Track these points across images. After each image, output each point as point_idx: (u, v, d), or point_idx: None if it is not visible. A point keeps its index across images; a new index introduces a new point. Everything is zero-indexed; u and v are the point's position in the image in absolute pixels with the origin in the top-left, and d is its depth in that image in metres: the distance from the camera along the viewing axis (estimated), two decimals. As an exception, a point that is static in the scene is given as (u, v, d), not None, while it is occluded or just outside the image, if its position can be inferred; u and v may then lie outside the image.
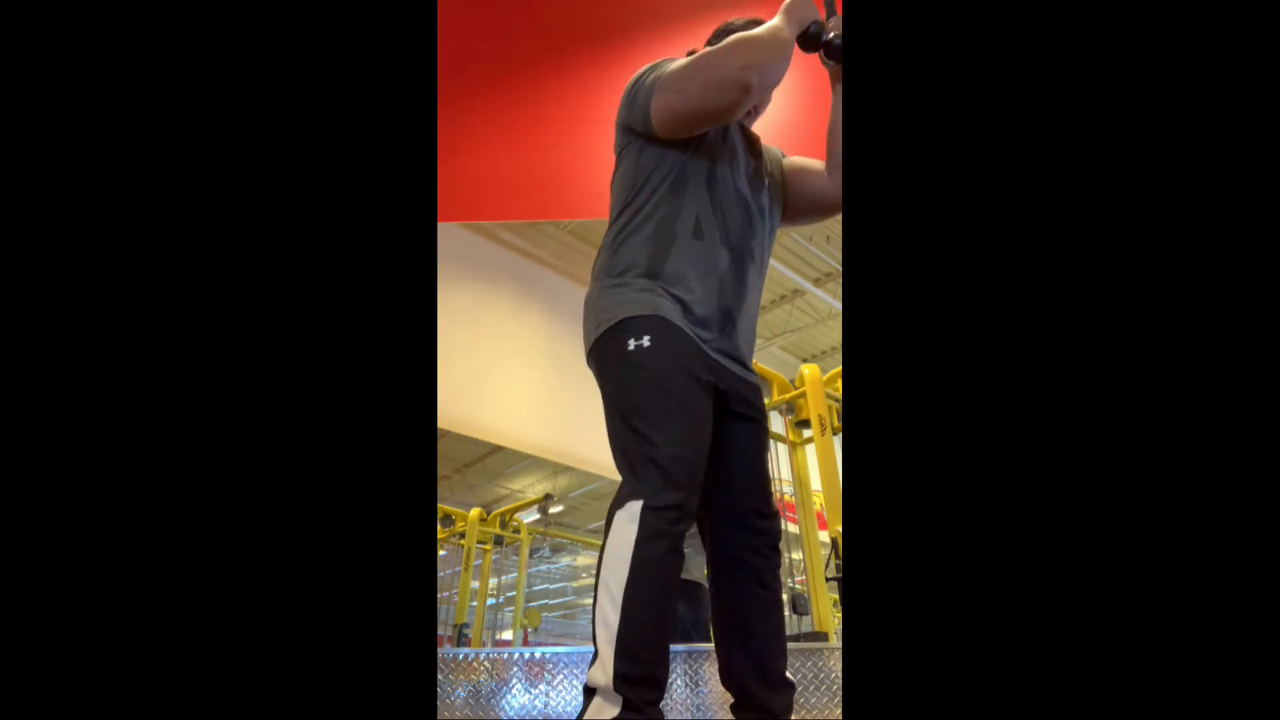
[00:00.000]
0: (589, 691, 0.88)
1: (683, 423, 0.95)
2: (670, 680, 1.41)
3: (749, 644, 1.00)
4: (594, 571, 0.93)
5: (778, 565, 1.06)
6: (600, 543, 0.94)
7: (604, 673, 0.85)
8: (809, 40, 1.11)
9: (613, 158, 1.17)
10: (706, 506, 1.05)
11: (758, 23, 1.26)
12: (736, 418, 1.08)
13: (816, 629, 3.06)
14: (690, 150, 1.10)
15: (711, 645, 1.57)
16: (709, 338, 1.05)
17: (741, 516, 1.05)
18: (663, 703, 0.88)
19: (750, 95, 1.03)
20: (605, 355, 1.03)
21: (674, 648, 1.42)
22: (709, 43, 1.29)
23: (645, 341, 0.99)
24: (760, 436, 1.11)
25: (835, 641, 1.76)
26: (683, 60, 1.08)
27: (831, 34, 1.13)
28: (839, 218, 1.21)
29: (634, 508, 0.90)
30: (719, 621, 1.03)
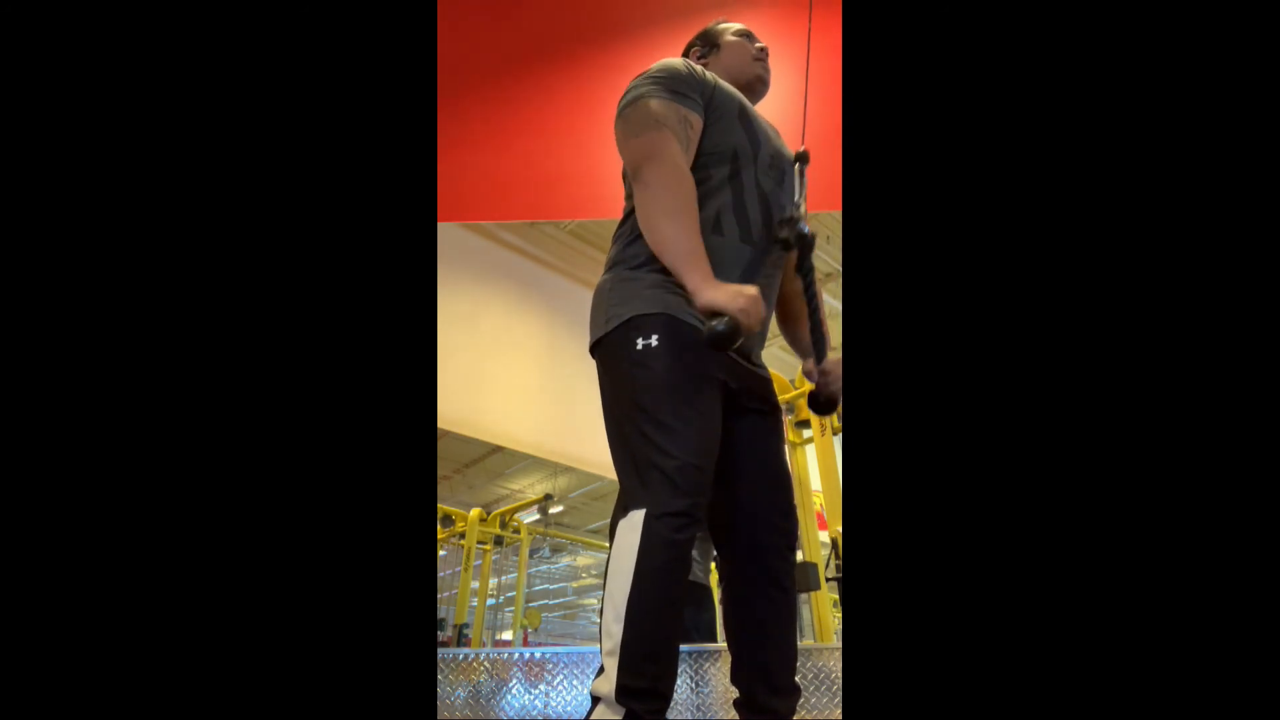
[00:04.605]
0: (595, 699, 0.88)
1: (691, 426, 0.93)
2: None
3: (759, 647, 0.99)
4: (594, 572, 0.93)
5: (793, 566, 1.05)
6: (606, 547, 0.93)
7: (608, 684, 0.85)
8: (714, 338, 0.86)
9: (614, 157, 1.17)
10: (720, 506, 1.03)
11: (720, 24, 1.28)
12: (749, 413, 1.06)
13: (817, 630, 3.06)
14: (712, 142, 1.08)
15: (714, 645, 1.57)
16: None
17: (759, 515, 1.03)
18: (663, 703, 0.88)
19: (628, 182, 1.03)
20: (611, 353, 1.02)
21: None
22: (688, 47, 1.31)
23: (654, 341, 0.97)
24: (774, 430, 1.09)
25: (835, 641, 1.75)
26: (652, 106, 1.05)
27: (817, 378, 1.06)
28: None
29: (636, 516, 0.89)
30: (730, 621, 1.02)
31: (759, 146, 1.12)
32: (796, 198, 1.07)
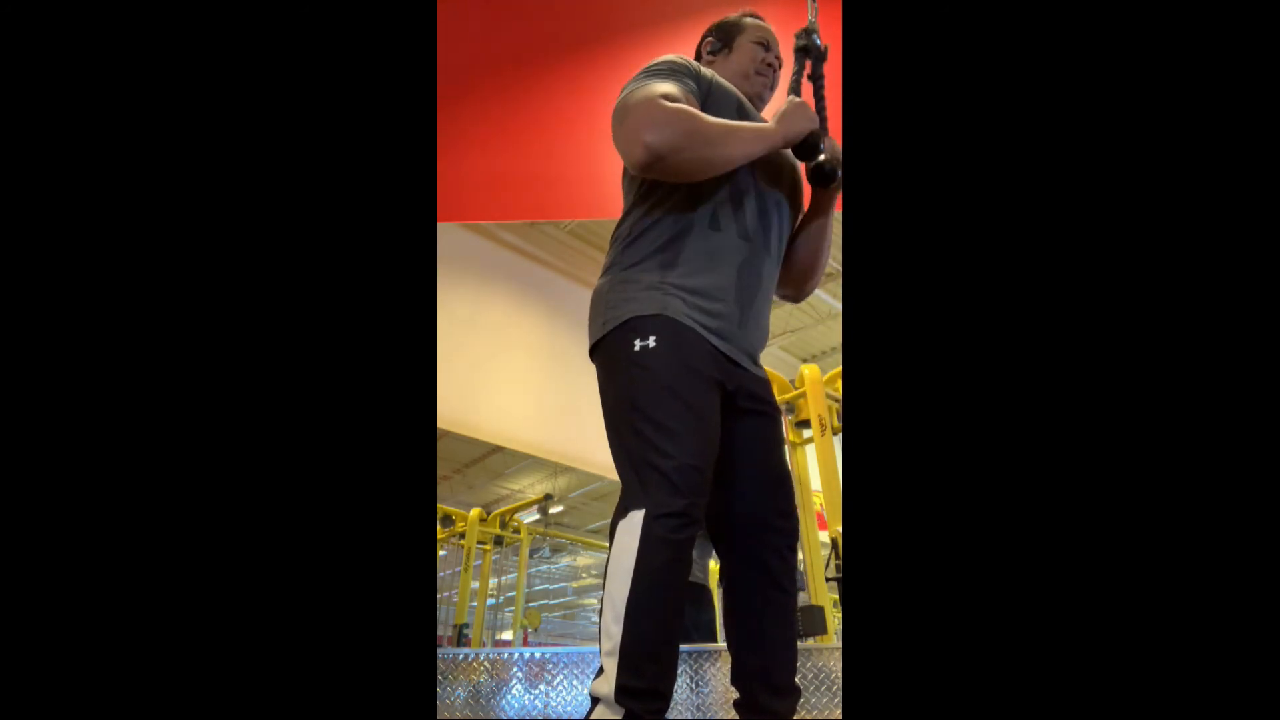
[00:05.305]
0: (594, 700, 0.88)
1: (690, 426, 0.93)
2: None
3: (759, 648, 0.99)
4: (594, 572, 0.93)
5: (794, 567, 1.05)
6: (606, 547, 0.93)
7: (608, 684, 0.85)
8: (806, 150, 1.09)
9: (614, 157, 1.16)
10: (720, 507, 1.03)
11: (746, 20, 1.27)
12: (746, 414, 1.06)
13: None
14: None
15: (714, 646, 1.57)
16: (721, 332, 1.03)
17: (760, 516, 1.03)
18: (663, 703, 0.88)
19: (655, 167, 0.99)
20: (610, 355, 1.02)
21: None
22: (705, 34, 1.29)
23: (651, 342, 0.97)
24: (773, 430, 1.09)
25: (835, 641, 1.75)
26: (638, 91, 1.04)
27: (824, 157, 1.11)
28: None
29: (636, 517, 0.89)
30: (730, 622, 1.02)
31: None
32: (810, 15, 1.21)
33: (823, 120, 1.15)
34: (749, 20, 1.27)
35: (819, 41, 1.17)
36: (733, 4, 1.32)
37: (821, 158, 1.12)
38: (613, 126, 1.06)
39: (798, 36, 1.17)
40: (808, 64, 1.18)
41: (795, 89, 1.14)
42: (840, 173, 1.14)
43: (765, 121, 1.20)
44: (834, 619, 3.08)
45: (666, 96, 1.01)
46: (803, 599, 3.06)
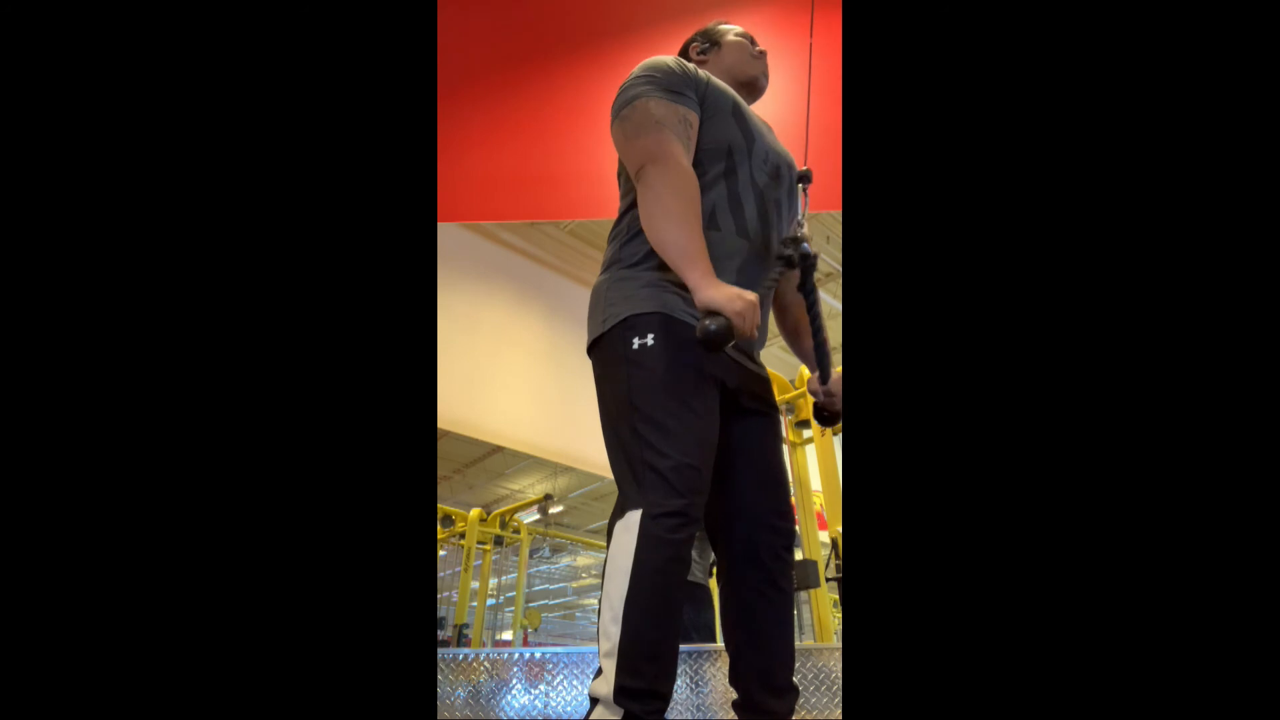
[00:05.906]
0: (593, 700, 0.88)
1: (687, 425, 0.93)
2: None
3: (757, 647, 0.99)
4: (594, 572, 0.92)
5: (790, 567, 1.05)
6: (605, 547, 0.93)
7: (606, 685, 0.85)
8: (709, 337, 0.86)
9: (613, 157, 1.17)
10: (718, 506, 1.03)
11: (722, 24, 1.29)
12: (746, 413, 1.06)
13: (817, 630, 3.06)
14: (706, 139, 1.08)
15: (713, 645, 1.57)
16: None
17: (757, 516, 1.03)
18: (662, 703, 0.88)
19: (633, 182, 1.04)
20: (607, 353, 1.02)
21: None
22: (688, 43, 1.31)
23: (649, 340, 0.97)
24: (772, 430, 1.10)
25: (835, 641, 1.75)
26: (654, 106, 1.04)
27: (822, 397, 1.09)
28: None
29: (633, 517, 0.89)
30: (728, 622, 1.02)
31: (753, 142, 1.12)
32: (800, 216, 1.07)
33: (817, 330, 1.06)
34: (723, 24, 1.32)
35: (808, 249, 0.98)
36: (730, 2, 1.32)
37: (822, 397, 1.10)
38: (618, 128, 1.06)
39: (783, 244, 0.99)
40: (795, 276, 1.02)
41: (765, 291, 0.99)
42: (839, 418, 1.11)
43: (758, 116, 1.21)
44: (834, 619, 3.09)
45: (668, 126, 1.03)
46: (796, 555, 3.07)
